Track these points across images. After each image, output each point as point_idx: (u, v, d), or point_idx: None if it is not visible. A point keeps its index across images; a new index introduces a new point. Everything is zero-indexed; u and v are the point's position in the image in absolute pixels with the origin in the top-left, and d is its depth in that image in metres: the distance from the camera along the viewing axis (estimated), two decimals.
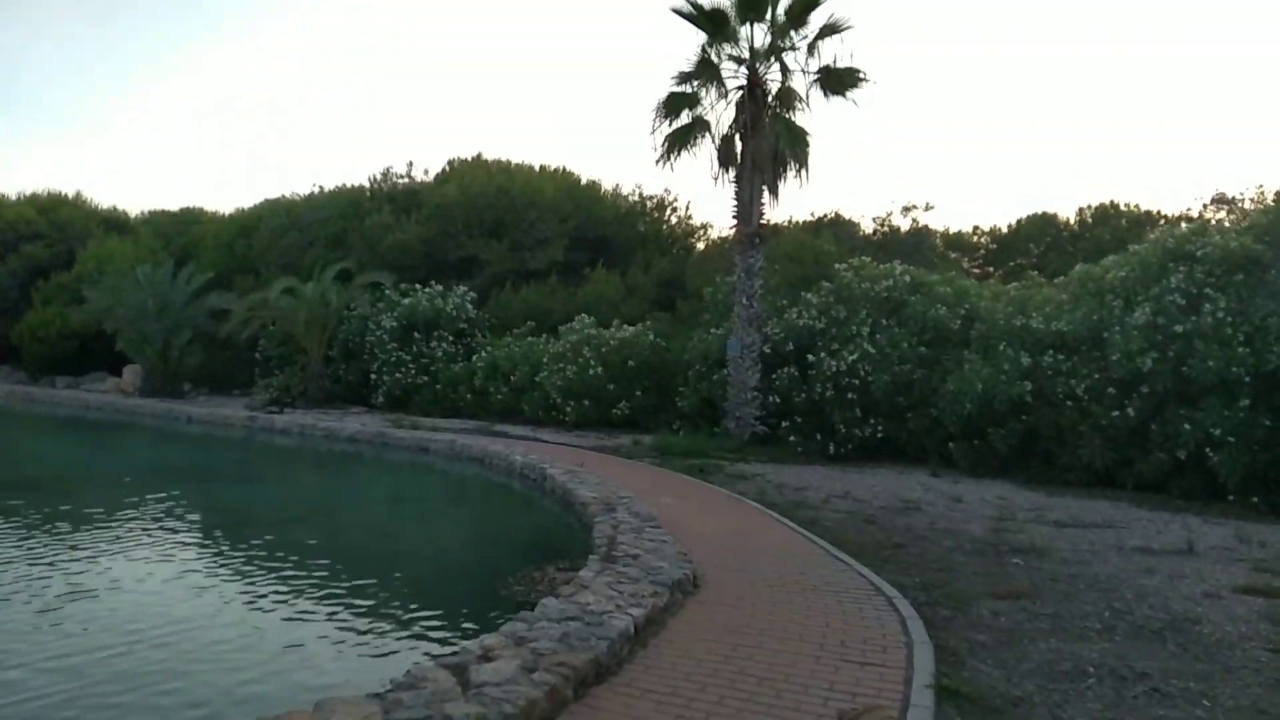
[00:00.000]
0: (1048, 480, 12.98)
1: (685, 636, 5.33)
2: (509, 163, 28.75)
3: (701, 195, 68.90)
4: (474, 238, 25.71)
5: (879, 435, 14.97)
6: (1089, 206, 24.69)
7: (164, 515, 10.23)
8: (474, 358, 21.40)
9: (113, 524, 9.65)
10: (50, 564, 7.61)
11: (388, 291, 23.57)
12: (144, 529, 9.41)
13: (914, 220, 23.87)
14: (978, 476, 13.40)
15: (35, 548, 8.22)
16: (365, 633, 6.18)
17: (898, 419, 14.92)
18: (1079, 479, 12.72)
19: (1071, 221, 24.73)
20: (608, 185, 29.34)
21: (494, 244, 25.50)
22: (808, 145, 15.99)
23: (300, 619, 6.46)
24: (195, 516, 10.50)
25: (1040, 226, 24.89)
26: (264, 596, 6.95)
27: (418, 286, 23.55)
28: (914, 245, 22.41)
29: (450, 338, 22.49)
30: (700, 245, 28.35)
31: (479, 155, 29.46)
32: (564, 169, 29.18)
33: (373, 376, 23.07)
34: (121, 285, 26.46)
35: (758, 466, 13.91)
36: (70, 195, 37.80)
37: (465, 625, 6.41)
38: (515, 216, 25.68)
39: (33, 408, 25.75)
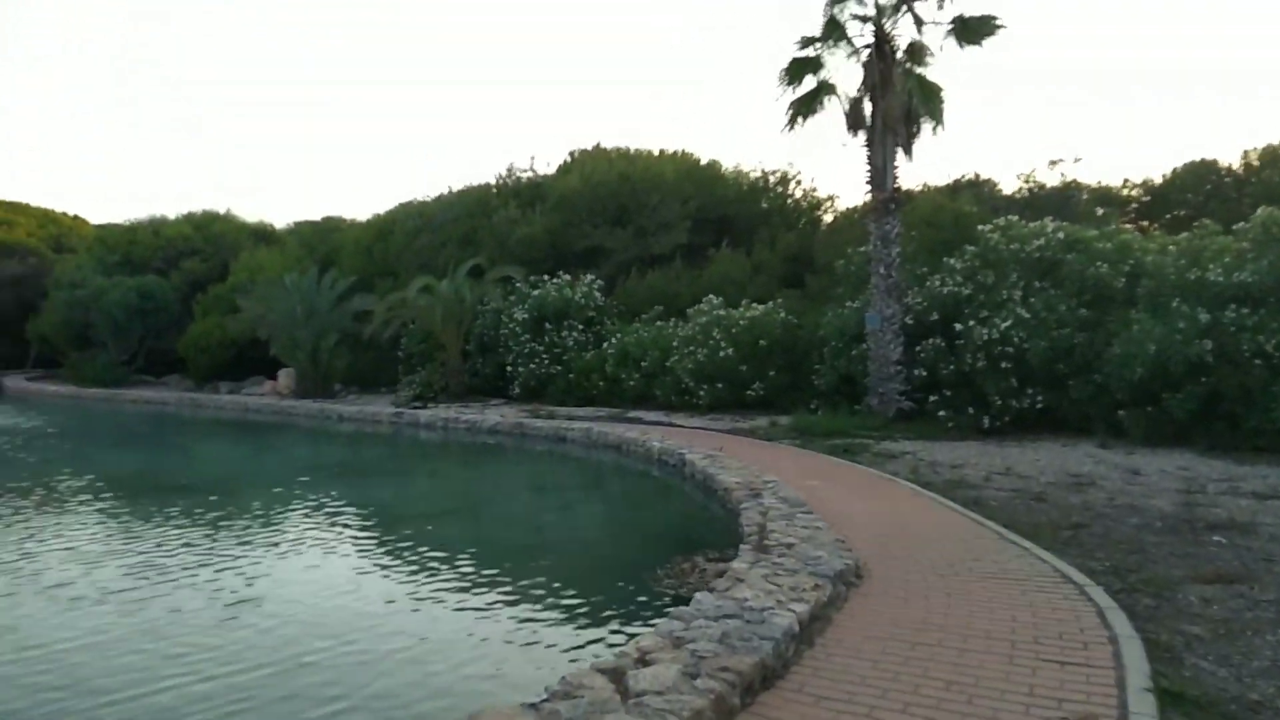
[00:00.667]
0: (1234, 447, 11.75)
1: (854, 634, 4.92)
2: (628, 149, 28.59)
3: (827, 167, 67.12)
4: (598, 226, 25.69)
5: (1038, 406, 13.96)
6: (1254, 149, 22.40)
7: (325, 512, 10.53)
8: (604, 345, 21.37)
9: (277, 522, 9.99)
10: (226, 560, 7.88)
11: (518, 285, 23.84)
12: (306, 527, 9.68)
13: (1061, 175, 22.27)
14: (1152, 446, 12.29)
15: (210, 546, 8.55)
16: (518, 629, 6.04)
17: (1058, 388, 13.88)
18: (1270, 444, 11.47)
19: (1235, 166, 22.50)
20: (728, 165, 28.82)
21: (618, 231, 25.41)
22: (942, 101, 15.06)
23: (453, 614, 6.40)
24: (352, 513, 10.76)
25: (1199, 174, 22.72)
26: (418, 593, 6.94)
27: (546, 278, 23.72)
28: (1062, 202, 20.88)
29: (580, 326, 22.55)
30: (827, 218, 27.44)
31: (598, 144, 29.44)
32: (683, 151, 28.80)
33: (508, 368, 23.40)
34: (271, 293, 27.84)
35: (906, 444, 13.22)
36: (222, 211, 40.16)
37: (616, 620, 6.19)
38: (637, 202, 25.51)
39: (200, 412, 27.46)
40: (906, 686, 4.18)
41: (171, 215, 39.89)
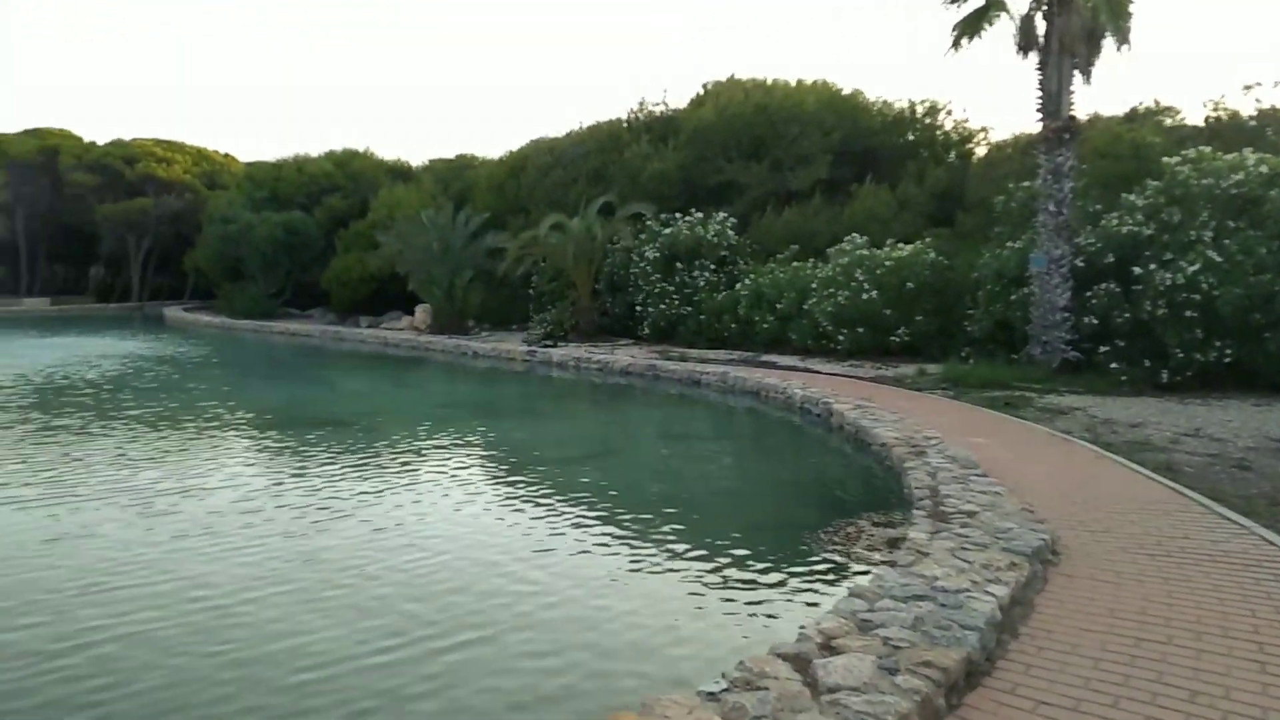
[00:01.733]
0: None
1: (1063, 624, 4.31)
2: (765, 80, 27.39)
3: (980, 96, 63.21)
4: (732, 161, 24.82)
5: (1225, 359, 12.59)
6: None
7: (463, 452, 10.50)
8: (737, 286, 20.72)
9: (417, 460, 9.99)
10: (377, 494, 7.87)
11: (649, 222, 23.36)
12: (442, 463, 9.63)
13: (1257, 101, 19.88)
14: None
15: (360, 480, 8.58)
16: (674, 589, 5.69)
17: (1252, 340, 12.45)
18: None
19: None
20: (872, 95, 27.22)
21: (753, 166, 24.47)
22: (1129, 15, 13.49)
23: (602, 568, 6.11)
24: (490, 453, 10.70)
25: None
26: (564, 544, 6.70)
27: (677, 215, 23.14)
28: (1257, 132, 18.65)
29: (712, 266, 21.95)
30: (980, 151, 25.64)
31: (733, 76, 28.35)
32: (824, 81, 27.36)
33: (637, 308, 23.09)
34: (409, 230, 28.32)
35: (1073, 399, 12.17)
36: (361, 149, 41.14)
37: (779, 586, 5.74)
38: (774, 134, 24.45)
39: (341, 345, 28.43)
40: (1141, 692, 3.58)
41: (314, 153, 41.17)
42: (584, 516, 7.40)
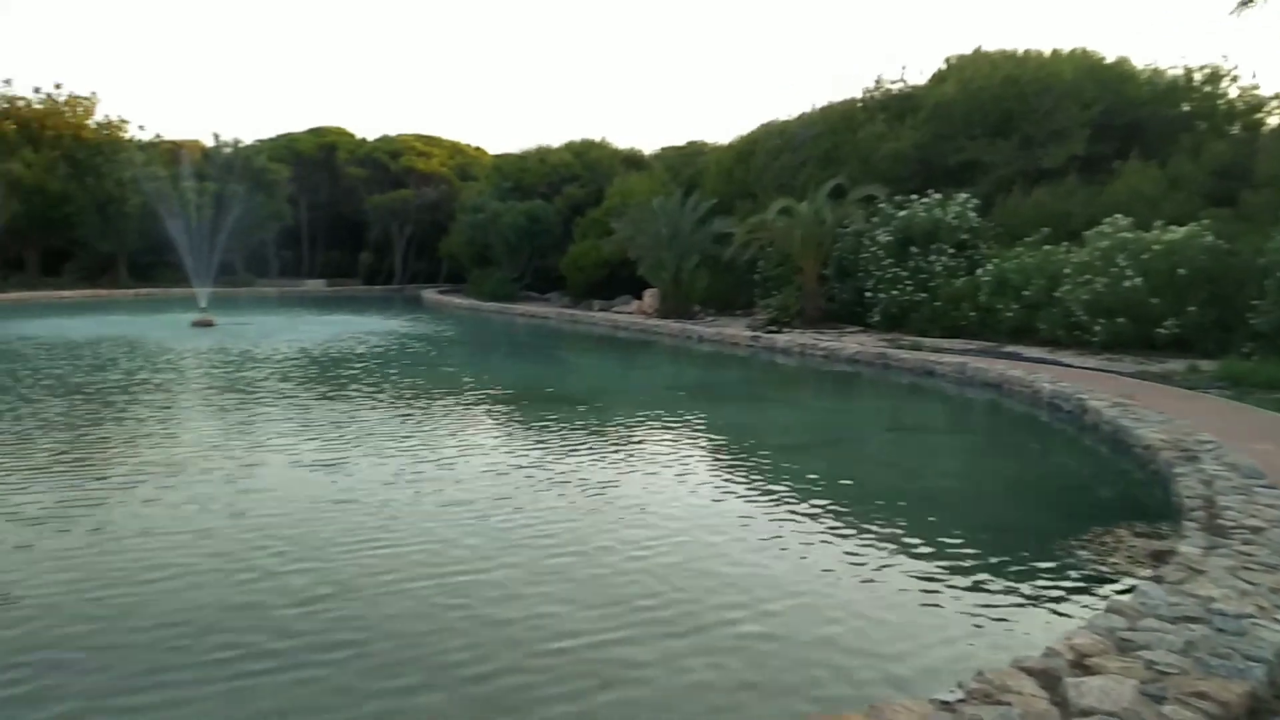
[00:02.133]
0: None
1: None
2: (1015, 51, 25.50)
3: (1269, 60, 55.68)
4: (975, 138, 23.35)
5: None
6: None
7: (687, 433, 10.63)
8: (977, 271, 19.51)
9: (643, 438, 10.22)
10: (604, 469, 8.15)
11: (882, 205, 22.50)
12: (669, 445, 9.79)
13: None
14: None
15: (582, 456, 8.92)
16: (905, 588, 5.42)
17: None
18: None
19: None
20: (1140, 63, 24.61)
21: (999, 143, 22.89)
22: None
23: (826, 561, 5.94)
24: (713, 437, 10.76)
25: None
26: (790, 533, 6.59)
27: (913, 197, 22.11)
28: None
29: (950, 250, 20.79)
30: (1271, 121, 22.51)
31: (978, 49, 26.60)
32: (1083, 50, 25.07)
33: (867, 294, 22.34)
34: (640, 216, 29.07)
35: None
36: (598, 139, 42.69)
37: (1024, 595, 5.31)
38: (1025, 108, 22.72)
39: (575, 327, 29.71)
40: None
41: (555, 144, 43.20)
42: (808, 507, 7.24)
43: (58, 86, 48.30)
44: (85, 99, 48.48)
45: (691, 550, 6.03)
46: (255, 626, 4.72)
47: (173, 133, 54.72)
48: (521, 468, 8.41)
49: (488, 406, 12.78)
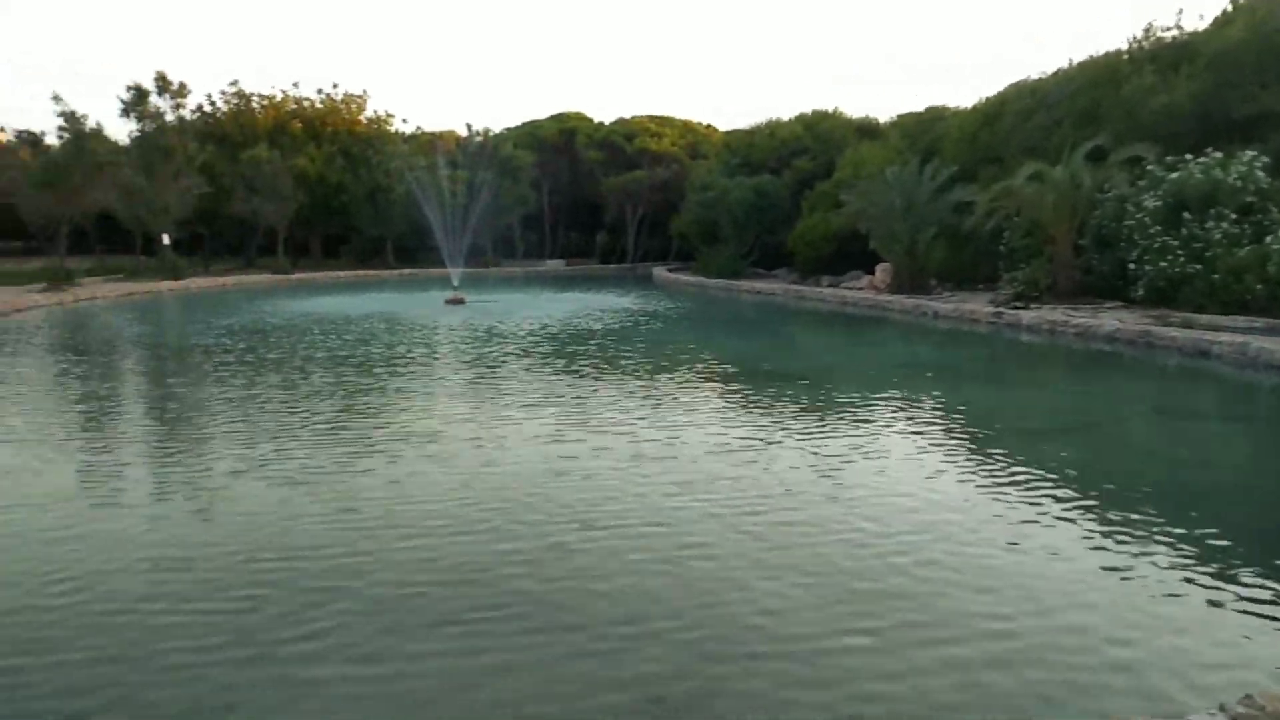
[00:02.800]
0: None
1: None
2: None
3: None
4: (1268, 87, 20.40)
5: None
6: None
7: (922, 414, 10.19)
8: (1267, 239, 17.10)
9: (874, 419, 9.90)
10: (830, 449, 8.01)
11: (1149, 167, 20.26)
12: (903, 427, 9.43)
13: None
14: None
15: (807, 434, 8.80)
16: (1170, 596, 4.91)
17: None
18: None
19: None
20: None
21: None
22: None
23: (1077, 558, 5.49)
24: (947, 417, 10.22)
25: None
26: (1038, 529, 6.15)
27: (1187, 157, 19.72)
28: None
29: (1232, 216, 18.37)
30: None
31: None
32: None
33: (1130, 266, 20.24)
34: (872, 187, 28.07)
35: None
36: (830, 109, 41.59)
37: None
38: None
39: (802, 304, 29.28)
40: None
41: (785, 117, 42.60)
42: (1056, 498, 6.70)
43: (335, 86, 53.91)
44: (358, 97, 53.76)
45: (930, 544, 5.74)
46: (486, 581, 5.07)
47: (431, 125, 59.45)
48: (748, 447, 8.41)
49: (715, 383, 12.90)
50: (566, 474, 7.42)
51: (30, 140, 40.83)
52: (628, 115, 60.29)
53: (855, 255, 32.07)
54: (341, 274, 45.95)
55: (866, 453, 8.22)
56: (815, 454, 8.11)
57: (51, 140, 39.11)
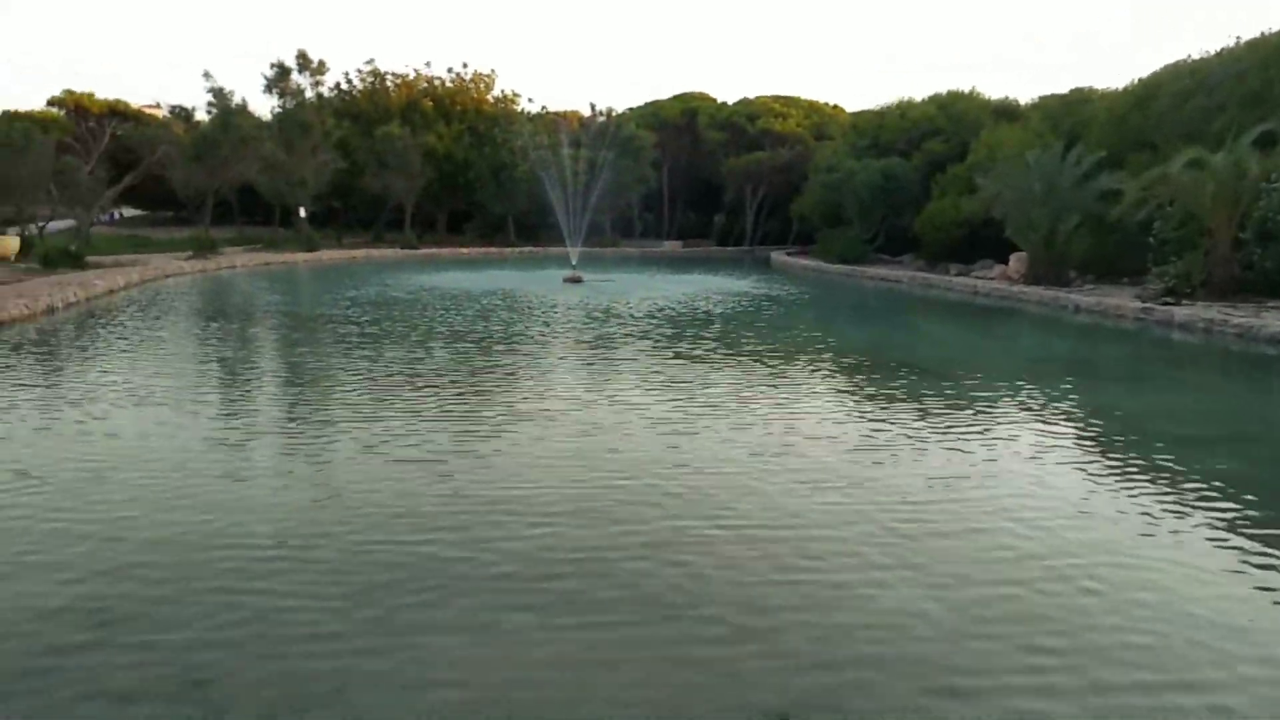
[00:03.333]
0: None
1: None
2: None
3: None
4: None
5: None
6: None
7: (1052, 414, 9.51)
8: None
9: (1003, 419, 9.29)
10: (947, 455, 7.53)
11: None
12: (1042, 426, 8.80)
13: None
14: None
15: (934, 434, 8.30)
16: None
17: None
18: None
19: None
20: None
21: None
22: None
23: (1239, 585, 4.92)
24: (1084, 420, 9.50)
25: None
26: (1191, 552, 5.57)
27: None
28: None
29: None
30: None
31: None
32: None
33: None
34: (1009, 172, 26.65)
35: None
36: (966, 90, 39.79)
37: None
38: None
39: (929, 292, 28.14)
40: None
41: (918, 98, 41.01)
42: (1213, 515, 6.07)
43: (464, 66, 55.09)
44: (486, 76, 54.76)
45: (1069, 566, 5.27)
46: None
47: (556, 104, 60.03)
48: (866, 445, 8.01)
49: (840, 374, 12.44)
50: (686, 465, 7.19)
51: (183, 116, 43.32)
52: (751, 95, 59.34)
53: (987, 242, 30.62)
54: (465, 250, 47.04)
55: (1006, 455, 7.68)
56: (954, 452, 7.62)
57: (202, 116, 41.43)
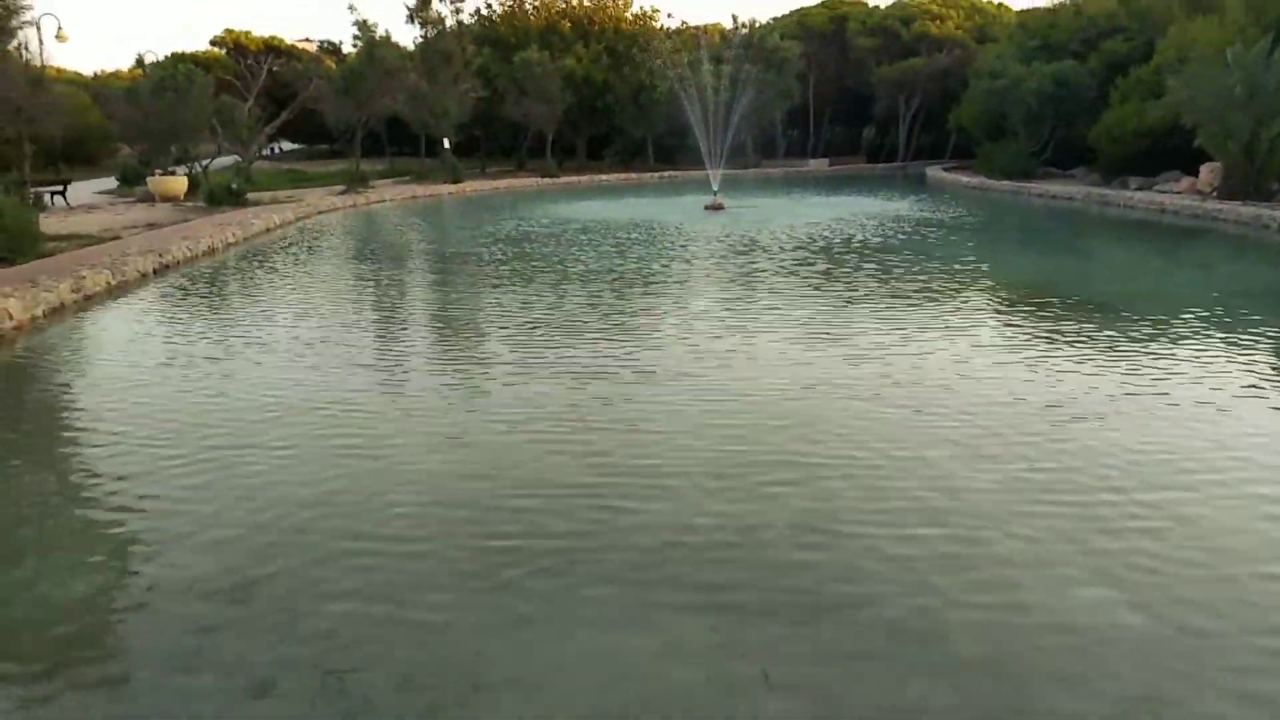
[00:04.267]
0: None
1: None
2: None
3: None
4: None
5: None
6: None
7: (1268, 364, 8.22)
8: None
9: (1199, 369, 8.08)
10: (1135, 416, 6.55)
11: None
12: (1243, 382, 7.60)
13: None
14: None
15: (1118, 386, 7.28)
16: None
17: None
18: None
19: None
20: None
21: None
22: None
23: None
24: None
25: None
26: None
27: None
28: None
29: None
30: None
31: None
32: None
33: None
34: (1204, 72, 23.65)
35: None
36: None
37: None
38: None
39: (1106, 210, 25.69)
40: None
41: None
42: None
43: None
44: None
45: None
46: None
47: (695, 18, 57.99)
48: (1068, 403, 7.09)
49: (1001, 312, 11.31)
50: (848, 432, 6.53)
51: (331, 50, 44.35)
52: None
53: (1172, 153, 27.63)
54: (604, 176, 46.65)
55: (1193, 417, 6.61)
56: (1164, 418, 6.62)
57: (349, 50, 42.25)
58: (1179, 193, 26.14)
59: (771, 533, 4.77)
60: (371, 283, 14.28)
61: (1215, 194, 24.44)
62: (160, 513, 5.15)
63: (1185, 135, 25.09)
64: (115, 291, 12.68)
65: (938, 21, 51.97)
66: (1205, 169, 25.76)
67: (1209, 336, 9.39)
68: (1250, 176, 23.16)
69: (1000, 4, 56.11)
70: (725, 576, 4.31)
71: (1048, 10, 39.44)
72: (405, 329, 10.89)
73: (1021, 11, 48.63)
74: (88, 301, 11.88)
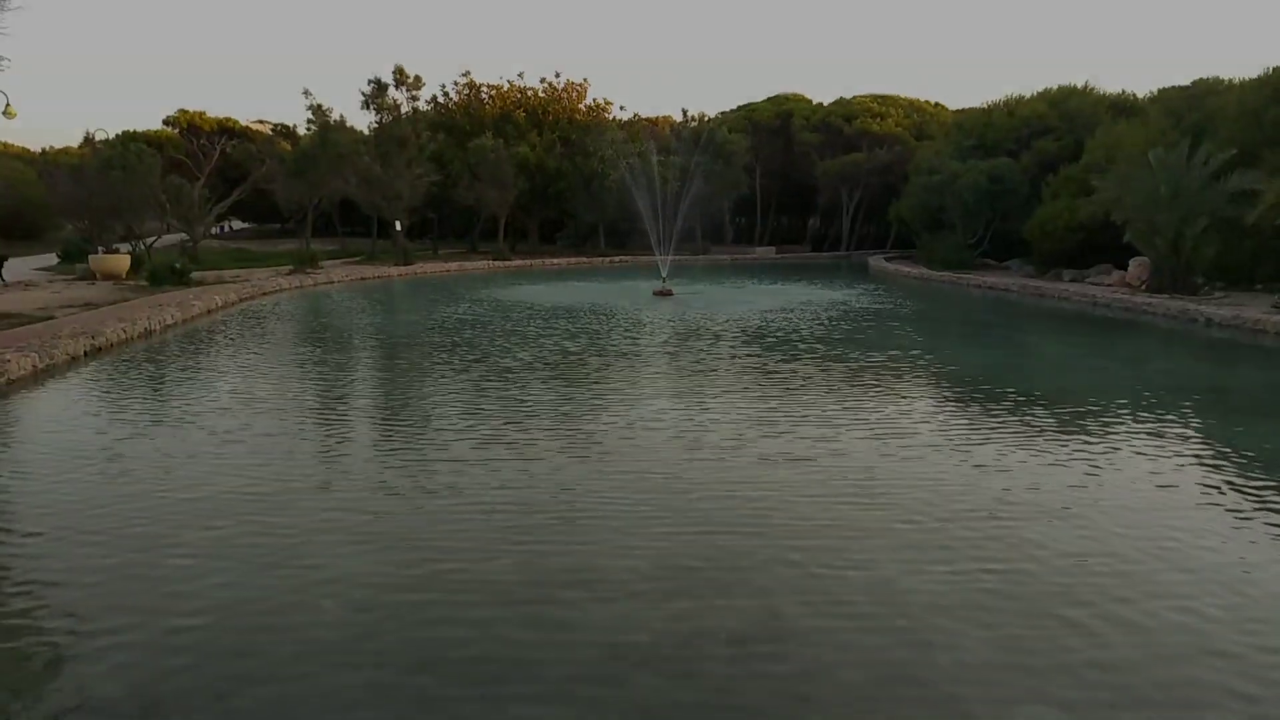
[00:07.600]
0: None
1: None
2: None
3: None
4: None
5: None
6: None
7: (1210, 461, 8.38)
8: None
9: (1144, 467, 8.22)
10: (1082, 514, 6.60)
11: None
12: (1190, 482, 7.73)
13: None
14: None
15: (1064, 485, 7.35)
16: None
17: None
18: None
19: None
20: None
21: None
22: None
23: None
24: (1249, 473, 8.31)
25: None
26: None
27: None
28: None
29: None
30: None
31: None
32: None
33: None
34: (1130, 172, 24.91)
35: None
36: (1080, 85, 37.67)
37: None
38: None
39: (1041, 302, 26.49)
40: None
41: (1027, 94, 39.03)
42: None
43: (557, 75, 55.19)
44: (578, 85, 54.76)
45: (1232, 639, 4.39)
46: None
47: (647, 110, 59.68)
48: (1022, 499, 7.12)
49: (944, 402, 11.45)
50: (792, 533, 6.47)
51: (284, 133, 44.57)
52: (848, 95, 57.87)
53: (1102, 248, 28.82)
54: (556, 260, 47.02)
55: (1174, 517, 6.68)
56: (1076, 509, 6.67)
57: (304, 132, 42.47)
58: (1110, 285, 27.12)
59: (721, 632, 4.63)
60: (308, 370, 13.98)
61: (1144, 287, 25.41)
62: (68, 629, 4.83)
63: (1115, 231, 26.20)
64: (41, 376, 12.22)
65: (878, 119, 54.14)
66: (1134, 263, 26.82)
67: (1149, 430, 9.58)
68: (1177, 271, 24.17)
69: (937, 104, 58.77)
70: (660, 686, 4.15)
71: (982, 111, 41.36)
72: (337, 419, 10.62)
73: (957, 111, 51.01)
74: (10, 386, 11.42)
